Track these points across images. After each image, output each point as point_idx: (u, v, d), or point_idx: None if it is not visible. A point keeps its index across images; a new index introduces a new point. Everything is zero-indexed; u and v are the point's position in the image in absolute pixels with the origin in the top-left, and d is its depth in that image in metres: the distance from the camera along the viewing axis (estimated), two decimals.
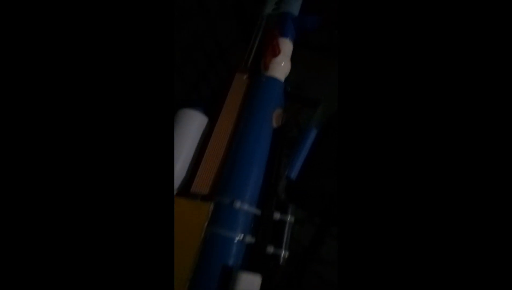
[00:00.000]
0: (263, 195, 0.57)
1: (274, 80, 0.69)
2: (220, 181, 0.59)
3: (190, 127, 0.68)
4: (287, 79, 0.72)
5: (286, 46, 0.74)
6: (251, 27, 0.82)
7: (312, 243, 0.84)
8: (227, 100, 0.70)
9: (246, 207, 0.54)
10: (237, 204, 0.54)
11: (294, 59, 0.74)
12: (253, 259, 0.52)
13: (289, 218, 0.55)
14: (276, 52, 0.70)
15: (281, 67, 0.71)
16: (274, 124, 0.65)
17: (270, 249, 0.53)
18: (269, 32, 0.74)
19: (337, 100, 0.42)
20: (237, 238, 0.53)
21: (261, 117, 0.64)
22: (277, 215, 0.55)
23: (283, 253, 0.53)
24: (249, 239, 0.54)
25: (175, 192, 0.61)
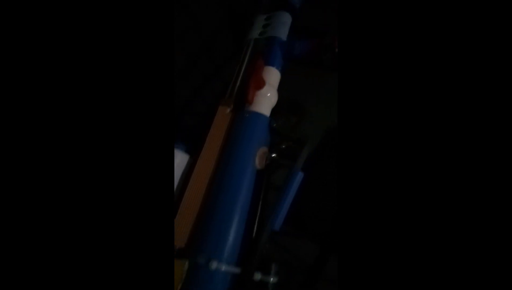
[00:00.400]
0: (244, 251, 0.53)
1: (258, 115, 0.64)
2: (196, 236, 0.54)
3: None
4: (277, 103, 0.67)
5: (273, 76, 0.69)
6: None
7: (315, 264, 0.79)
8: (208, 137, 0.66)
9: (223, 267, 0.50)
10: (213, 265, 0.49)
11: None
12: None
13: (272, 279, 0.51)
14: (260, 84, 0.65)
15: (266, 100, 0.66)
16: (257, 165, 0.60)
17: None
18: (254, 61, 0.69)
19: (329, 114, 0.42)
20: None
21: (243, 158, 0.59)
22: (258, 276, 0.51)
23: None
24: None
25: None
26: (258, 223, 0.55)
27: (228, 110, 0.68)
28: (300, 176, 0.58)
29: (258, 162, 0.60)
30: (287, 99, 0.71)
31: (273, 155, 0.60)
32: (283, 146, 0.63)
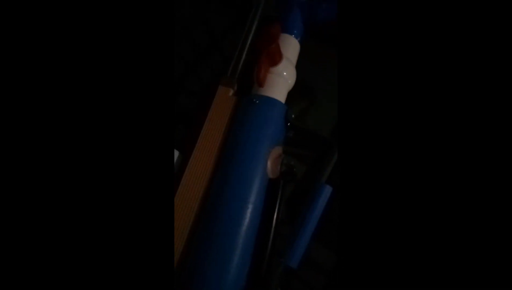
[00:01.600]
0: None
1: (272, 102, 0.47)
2: (187, 268, 0.39)
3: None
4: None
5: (291, 48, 0.51)
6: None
7: None
8: (204, 129, 0.49)
9: None
10: None
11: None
12: None
13: None
14: (276, 58, 0.48)
15: (282, 81, 0.49)
16: (270, 173, 0.43)
17: None
18: (266, 28, 0.51)
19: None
20: None
21: (250, 164, 0.43)
22: None
23: None
24: None
25: None
26: (269, 258, 0.39)
27: (231, 92, 0.51)
28: (328, 190, 0.42)
29: (270, 168, 0.43)
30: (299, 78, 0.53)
31: (291, 161, 0.44)
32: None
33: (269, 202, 0.42)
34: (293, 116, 0.48)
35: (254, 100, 0.47)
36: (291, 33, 0.52)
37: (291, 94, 0.52)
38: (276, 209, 0.41)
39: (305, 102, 0.58)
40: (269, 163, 0.44)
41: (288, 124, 0.47)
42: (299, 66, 0.54)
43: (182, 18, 0.80)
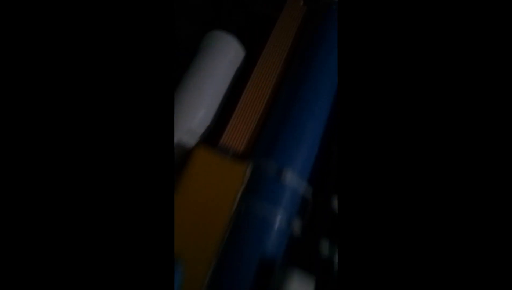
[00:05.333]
0: (318, 171, 0.43)
1: None
2: (262, 137, 0.43)
3: (223, 58, 0.51)
4: None
5: None
6: None
7: None
8: (273, 33, 0.52)
9: (295, 180, 0.40)
10: (287, 175, 0.39)
11: None
12: (299, 255, 0.39)
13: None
14: None
15: None
16: None
17: (325, 248, 0.39)
18: None
19: None
20: (280, 220, 0.39)
21: (326, 66, 0.47)
22: (335, 203, 0.40)
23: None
24: (297, 225, 0.40)
25: (197, 139, 0.45)
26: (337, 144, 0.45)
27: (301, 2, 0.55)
28: None
29: None
30: None
31: None
32: None
33: None
34: None
35: (333, 7, 0.50)
36: None
37: None
38: None
39: None
40: None
41: None
42: None
43: None
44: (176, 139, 0.44)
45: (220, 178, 0.40)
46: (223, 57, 0.51)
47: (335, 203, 0.40)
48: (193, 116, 0.46)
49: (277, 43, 0.51)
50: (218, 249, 0.37)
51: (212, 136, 0.46)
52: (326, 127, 0.44)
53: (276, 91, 0.47)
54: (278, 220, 0.39)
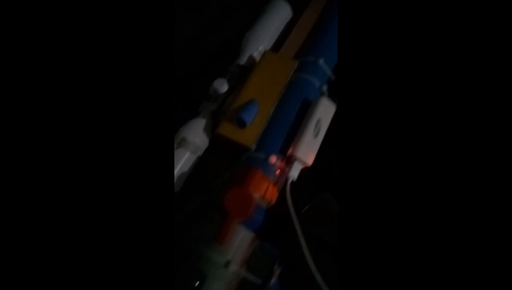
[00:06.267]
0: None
1: None
2: (307, 44, 0.69)
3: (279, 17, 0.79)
4: None
5: None
6: None
7: None
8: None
9: (326, 68, 0.64)
10: (321, 61, 0.65)
11: None
12: None
13: None
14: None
15: None
16: None
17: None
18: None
19: None
20: (317, 84, 0.63)
21: None
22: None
23: None
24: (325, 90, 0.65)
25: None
26: None
27: None
28: None
29: None
30: None
31: None
32: None
33: None
34: None
35: None
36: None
37: None
38: None
39: None
40: None
41: None
42: None
43: None
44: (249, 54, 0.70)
45: (279, 66, 0.65)
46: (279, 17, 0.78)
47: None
48: (261, 42, 0.74)
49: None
50: (278, 96, 0.62)
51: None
52: None
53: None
54: (315, 82, 0.64)
